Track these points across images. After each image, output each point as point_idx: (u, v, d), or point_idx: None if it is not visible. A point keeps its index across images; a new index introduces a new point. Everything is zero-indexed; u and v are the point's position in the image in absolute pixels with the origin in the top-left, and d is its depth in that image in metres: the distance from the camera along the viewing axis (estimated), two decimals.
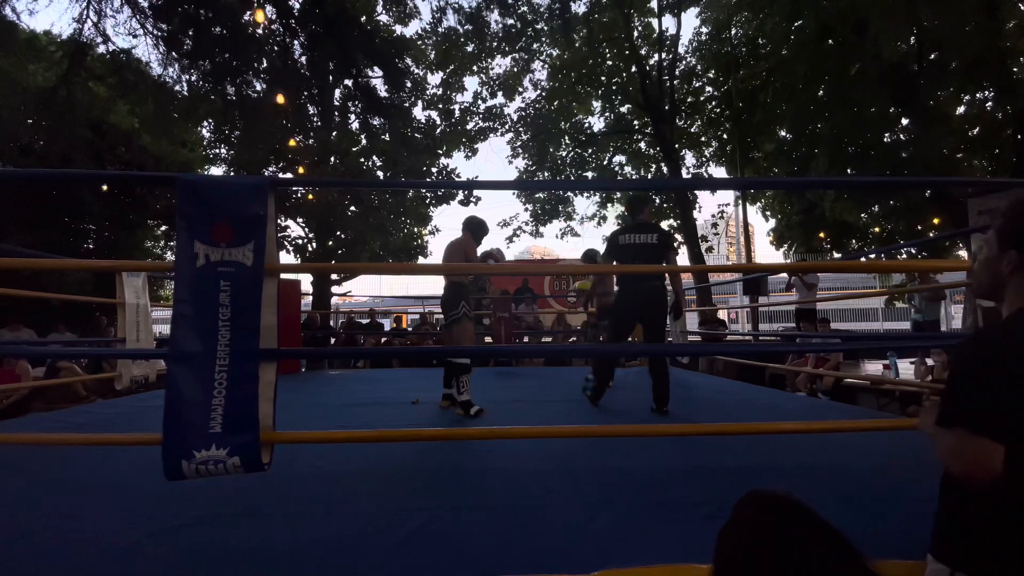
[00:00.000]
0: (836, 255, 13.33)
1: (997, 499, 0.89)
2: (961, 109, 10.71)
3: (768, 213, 14.83)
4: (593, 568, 1.31)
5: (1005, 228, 1.00)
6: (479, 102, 13.47)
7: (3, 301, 6.53)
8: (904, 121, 10.42)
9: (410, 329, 12.44)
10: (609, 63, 13.59)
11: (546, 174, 13.73)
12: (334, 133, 11.20)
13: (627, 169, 14.54)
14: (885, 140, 10.70)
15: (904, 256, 11.73)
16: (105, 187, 10.47)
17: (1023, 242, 0.96)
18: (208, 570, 1.35)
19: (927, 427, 1.01)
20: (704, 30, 13.46)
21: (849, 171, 10.50)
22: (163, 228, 12.87)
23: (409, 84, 11.33)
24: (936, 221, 10.67)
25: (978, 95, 10.30)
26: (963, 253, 10.63)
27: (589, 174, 14.25)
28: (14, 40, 7.98)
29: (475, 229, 3.92)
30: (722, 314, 10.97)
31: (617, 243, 3.58)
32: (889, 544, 1.40)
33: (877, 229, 12.59)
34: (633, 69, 13.05)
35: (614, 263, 3.65)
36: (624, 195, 4.05)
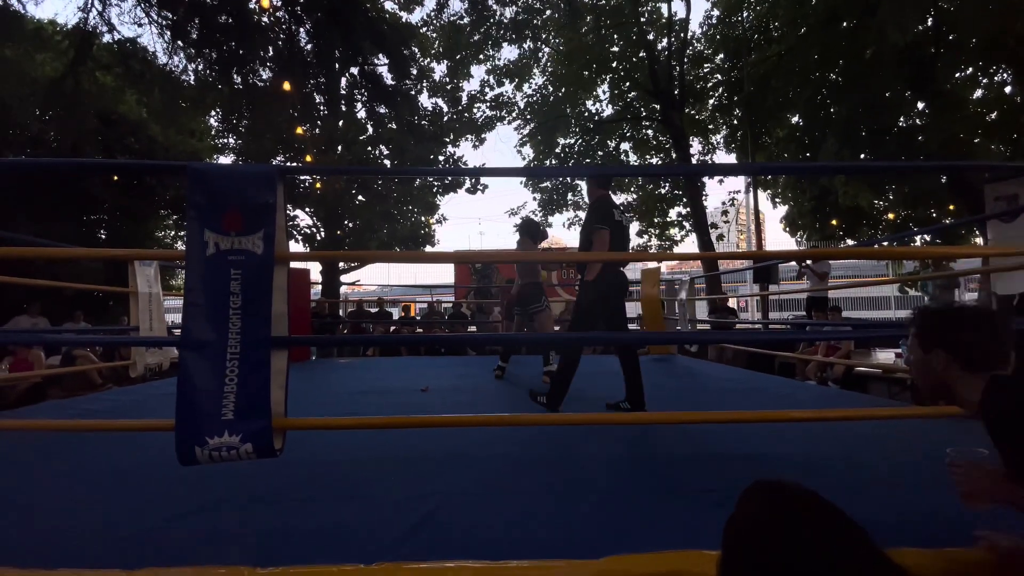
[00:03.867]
0: (849, 242, 13.17)
1: None
2: (978, 93, 10.47)
3: (778, 200, 14.66)
4: (602, 554, 1.32)
5: (921, 333, 1.10)
6: (486, 89, 13.36)
7: (19, 290, 6.64)
8: (920, 105, 10.21)
9: (418, 318, 12.49)
10: (616, 49, 13.41)
11: (553, 162, 13.63)
12: (340, 122, 11.16)
13: (632, 157, 14.40)
14: (900, 124, 10.49)
15: (918, 243, 11.57)
16: (116, 177, 10.54)
17: (941, 340, 1.06)
18: (222, 554, 1.37)
19: (984, 491, 0.99)
20: (715, 13, 13.22)
21: (863, 156, 10.32)
22: (174, 218, 12.95)
23: (415, 71, 11.26)
24: (952, 207, 10.49)
25: (996, 78, 10.06)
26: (979, 240, 10.46)
27: (598, 162, 14.13)
28: (21, 30, 8.00)
29: (531, 232, 4.39)
30: (732, 302, 10.91)
31: (612, 217, 3.07)
32: (901, 532, 1.39)
33: (891, 216, 12.41)
34: (642, 54, 12.86)
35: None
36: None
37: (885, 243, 12.06)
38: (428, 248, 13.40)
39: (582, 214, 14.86)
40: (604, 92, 14.10)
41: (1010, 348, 1.07)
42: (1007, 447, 1.01)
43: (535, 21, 12.61)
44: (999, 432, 1.01)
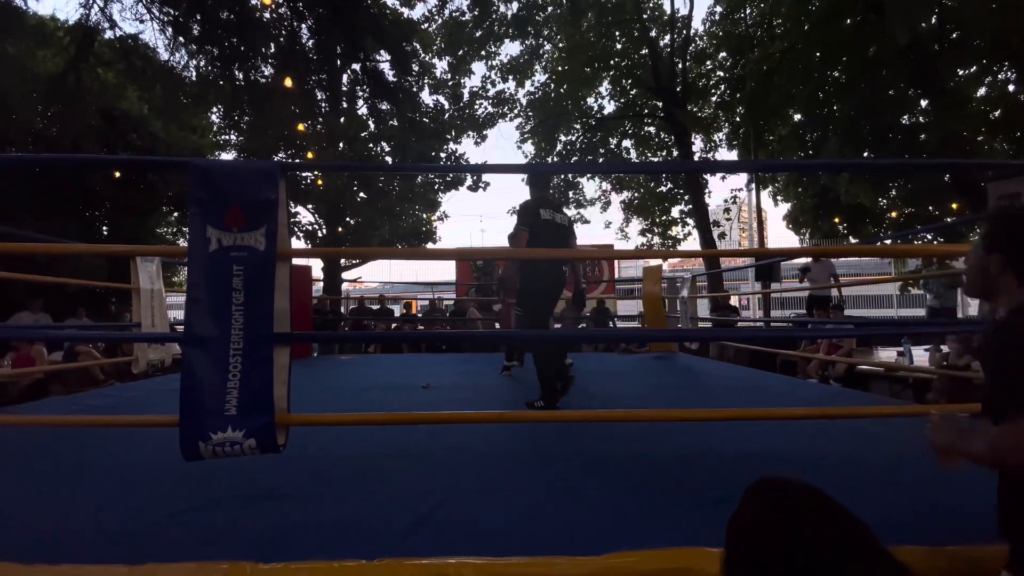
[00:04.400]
0: (852, 240, 13.13)
1: None
2: (982, 91, 10.42)
3: (780, 198, 14.62)
4: (603, 550, 1.32)
5: (992, 233, 1.10)
6: (488, 86, 13.33)
7: (21, 286, 6.66)
8: (923, 103, 10.17)
9: (420, 315, 12.51)
10: (619, 46, 13.37)
11: (555, 159, 13.61)
12: (342, 118, 11.15)
13: (632, 154, 14.37)
14: (903, 122, 10.44)
15: (921, 242, 11.53)
16: (117, 173, 10.54)
17: (1006, 247, 1.06)
18: (225, 550, 1.38)
19: (947, 441, 1.00)
20: (718, 9, 13.18)
21: (866, 154, 10.28)
22: (175, 214, 12.95)
23: (416, 68, 11.24)
24: (955, 206, 10.45)
25: (1000, 76, 10.01)
26: None
27: (599, 159, 14.11)
28: (22, 27, 8.00)
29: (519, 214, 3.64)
30: (733, 300, 10.90)
31: (538, 217, 3.18)
32: (902, 530, 1.39)
33: (894, 214, 12.37)
34: (644, 51, 12.83)
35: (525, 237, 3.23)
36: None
37: (888, 241, 12.03)
38: (430, 245, 13.38)
39: (584, 212, 14.87)
40: (606, 89, 14.07)
41: None
42: (994, 364, 1.01)
43: (537, 17, 12.57)
44: (996, 346, 1.01)
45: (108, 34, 8.36)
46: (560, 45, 13.42)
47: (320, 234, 12.05)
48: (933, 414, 1.06)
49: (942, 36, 9.11)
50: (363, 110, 11.56)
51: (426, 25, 12.43)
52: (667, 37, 12.92)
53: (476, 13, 11.81)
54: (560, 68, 13.49)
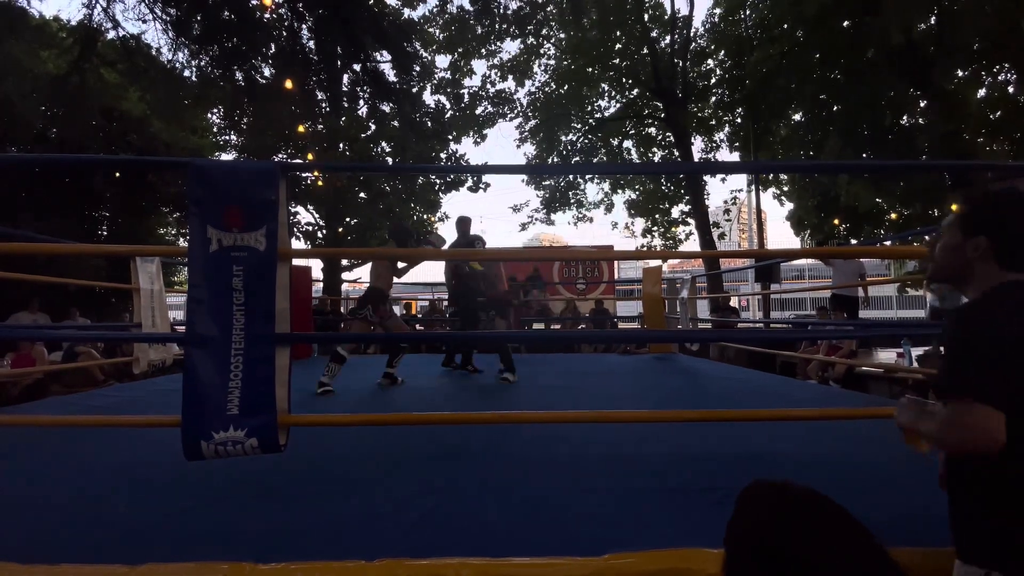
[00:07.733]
0: (852, 241, 13.13)
1: (1014, 483, 0.88)
2: (982, 92, 10.42)
3: (784, 198, 14.59)
4: (602, 551, 1.32)
5: (974, 215, 1.01)
6: (488, 86, 13.34)
7: (21, 287, 6.66)
8: (923, 104, 10.18)
9: (420, 316, 12.50)
10: (619, 46, 13.37)
11: (556, 159, 13.62)
12: (343, 119, 11.16)
13: (633, 155, 14.37)
14: (902, 123, 10.44)
15: (920, 243, 11.50)
16: (118, 174, 10.54)
17: (992, 230, 0.97)
18: (227, 548, 1.38)
19: (908, 420, 1.02)
20: (717, 11, 13.18)
21: (865, 155, 10.28)
22: (176, 215, 12.93)
23: (417, 68, 11.24)
24: (954, 207, 10.45)
25: (999, 78, 10.02)
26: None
27: (600, 160, 14.12)
28: (25, 27, 8.01)
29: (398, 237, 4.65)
30: (733, 301, 10.89)
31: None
32: (900, 531, 1.39)
33: (894, 216, 12.36)
34: (644, 51, 12.83)
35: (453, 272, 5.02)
36: (456, 218, 4.73)
37: (887, 242, 12.02)
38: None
39: (583, 211, 14.91)
40: (607, 89, 14.06)
41: None
42: (947, 346, 0.97)
43: (538, 16, 12.58)
44: (954, 328, 0.96)
45: (111, 34, 8.39)
46: (562, 45, 13.43)
47: (320, 235, 12.05)
48: (904, 397, 1.07)
49: (940, 38, 9.11)
50: (363, 111, 11.57)
51: (427, 25, 12.44)
52: (667, 38, 12.92)
53: (478, 7, 11.78)
54: (561, 67, 13.49)
